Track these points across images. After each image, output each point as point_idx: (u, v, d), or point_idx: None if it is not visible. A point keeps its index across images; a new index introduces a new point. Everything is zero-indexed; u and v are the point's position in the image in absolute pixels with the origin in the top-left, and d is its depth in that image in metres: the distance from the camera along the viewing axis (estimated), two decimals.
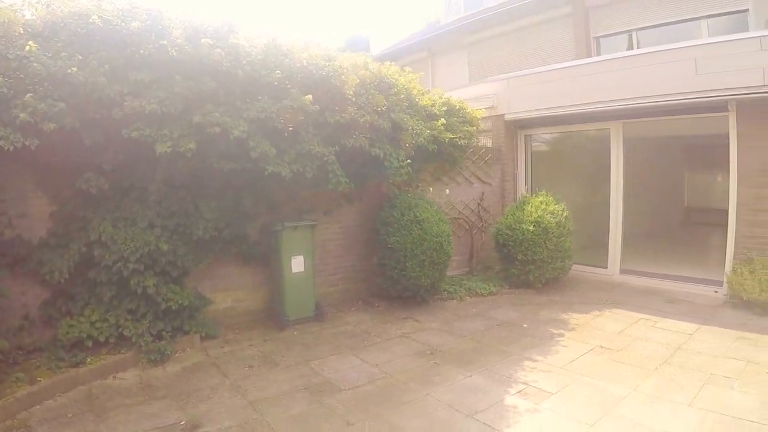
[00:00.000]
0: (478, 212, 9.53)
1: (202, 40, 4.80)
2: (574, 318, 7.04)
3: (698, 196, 16.55)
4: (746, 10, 10.17)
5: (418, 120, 6.91)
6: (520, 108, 9.75)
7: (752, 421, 4.04)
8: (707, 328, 6.51)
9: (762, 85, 6.82)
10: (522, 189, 10.26)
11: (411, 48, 16.63)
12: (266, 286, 6.76)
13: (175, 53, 4.68)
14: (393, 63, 7.41)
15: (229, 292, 6.48)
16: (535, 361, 5.53)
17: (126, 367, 5.21)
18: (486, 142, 9.91)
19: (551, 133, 10.56)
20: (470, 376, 5.12)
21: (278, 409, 4.39)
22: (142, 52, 4.60)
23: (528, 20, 13.91)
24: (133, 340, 5.31)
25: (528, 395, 4.67)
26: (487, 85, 10.35)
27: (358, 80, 6.01)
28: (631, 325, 6.68)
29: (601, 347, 5.91)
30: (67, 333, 5.07)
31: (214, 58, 4.81)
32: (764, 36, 7.05)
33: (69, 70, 4.23)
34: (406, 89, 6.87)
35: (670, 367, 5.30)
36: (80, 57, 4.35)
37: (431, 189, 8.48)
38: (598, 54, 12.53)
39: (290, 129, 5.31)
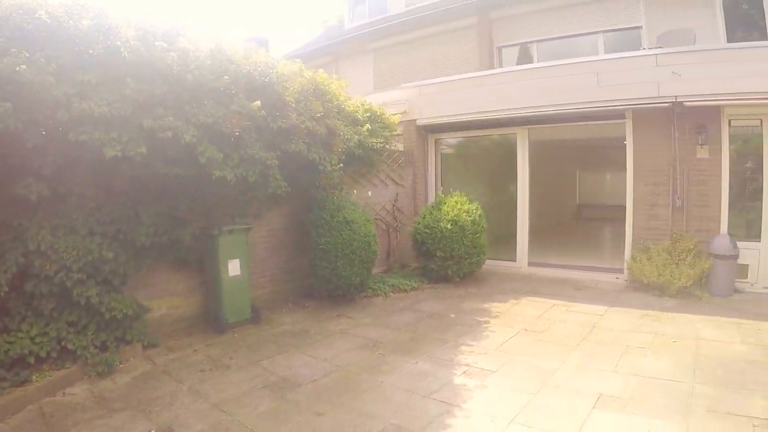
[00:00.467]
0: (393, 213, 10.08)
1: (156, 43, 4.88)
2: (495, 307, 7.77)
3: (588, 194, 18.26)
4: (640, 27, 11.73)
5: (347, 126, 7.26)
6: (431, 114, 10.49)
7: (667, 380, 4.93)
8: (615, 309, 7.53)
9: (656, 96, 8.02)
10: (432, 190, 10.93)
11: (316, 52, 16.90)
12: (200, 291, 6.79)
13: (128, 55, 4.71)
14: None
15: (164, 299, 6.43)
16: (470, 345, 6.11)
17: (73, 381, 5.06)
18: (398, 146, 10.43)
19: (461, 137, 11.47)
20: (416, 363, 5.58)
21: (245, 408, 4.53)
22: (91, 51, 4.58)
23: (433, 29, 14.72)
24: (78, 353, 5.18)
25: (473, 375, 5.23)
26: (400, 92, 10.97)
27: (300, 87, 6.25)
28: (548, 310, 7.52)
29: (526, 330, 6.65)
30: (8, 351, 4.81)
31: (166, 61, 4.90)
32: (660, 54, 8.25)
33: (17, 68, 4.12)
34: (335, 96, 7.18)
35: (589, 342, 6.12)
36: (27, 54, 4.25)
37: (355, 191, 8.85)
38: (501, 63, 13.73)
39: (236, 134, 5.45)
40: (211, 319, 6.69)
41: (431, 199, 10.97)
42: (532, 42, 13.45)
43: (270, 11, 57.52)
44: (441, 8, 14.48)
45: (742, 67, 7.83)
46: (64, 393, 4.87)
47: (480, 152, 12.14)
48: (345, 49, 16.56)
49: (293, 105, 6.17)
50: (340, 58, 15.84)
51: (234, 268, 6.56)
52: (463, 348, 6.02)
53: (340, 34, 17.98)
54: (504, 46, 13.96)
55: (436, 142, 11.32)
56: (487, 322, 7.01)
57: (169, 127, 4.87)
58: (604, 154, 15.67)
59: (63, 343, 5.16)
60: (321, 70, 7.21)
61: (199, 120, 5.14)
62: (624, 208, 9.45)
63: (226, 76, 5.41)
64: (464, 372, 5.30)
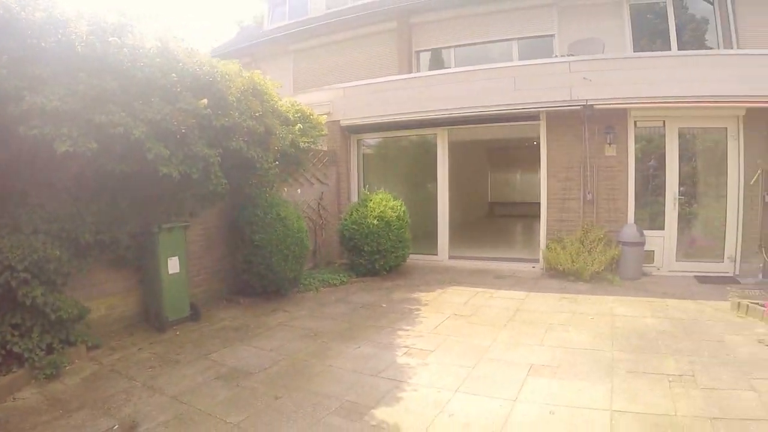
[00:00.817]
0: (319, 211, 10.44)
1: (110, 39, 4.99)
2: (423, 296, 8.39)
3: (500, 192, 19.48)
4: (553, 35, 12.86)
5: (281, 125, 7.54)
6: (355, 115, 11.03)
7: (590, 349, 5.73)
8: (534, 294, 8.38)
9: (569, 100, 8.97)
10: (355, 189, 11.40)
11: (236, 53, 16.58)
12: (137, 291, 6.86)
13: (81, 49, 4.80)
14: None
15: (102, 299, 6.42)
16: (406, 330, 6.65)
17: (21, 386, 4.98)
18: (322, 145, 10.79)
19: (383, 137, 12.05)
20: (359, 347, 6.03)
21: (204, 398, 4.74)
22: (43, 44, 4.63)
23: (354, 32, 15.26)
24: (25, 356, 5.13)
25: (413, 354, 5.75)
26: (324, 93, 11.39)
27: (241, 86, 6.48)
28: (473, 297, 8.24)
29: (455, 315, 7.29)
30: None
31: (118, 57, 5.02)
32: (573, 61, 9.19)
33: None
34: (270, 96, 7.45)
35: (515, 322, 6.86)
36: None
37: (285, 190, 9.11)
38: (419, 67, 14.49)
39: (182, 131, 5.63)
40: (151, 318, 6.78)
41: (354, 197, 11.51)
42: (449, 47, 14.32)
43: (183, 10, 56.17)
44: (362, 12, 15.03)
45: (646, 74, 9.00)
46: (14, 398, 4.81)
47: (401, 152, 12.87)
48: (264, 50, 16.73)
49: (235, 104, 6.40)
50: (259, 60, 15.93)
51: (174, 265, 6.70)
52: (400, 332, 6.54)
53: (260, 35, 18.16)
54: (422, 50, 14.73)
55: (358, 142, 11.85)
56: (418, 310, 7.59)
57: (120, 123, 4.99)
58: (515, 155, 16.80)
59: (8, 347, 5.09)
60: (258, 71, 7.45)
61: (147, 116, 5.27)
62: (534, 205, 10.44)
63: (173, 74, 5.59)
64: (405, 353, 5.81)
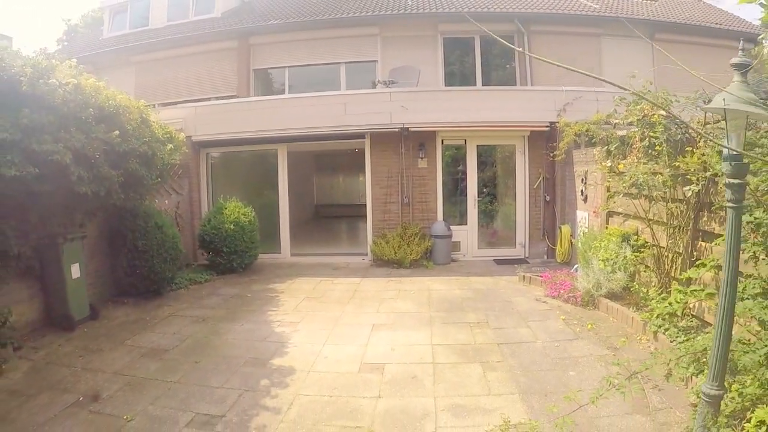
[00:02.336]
0: (176, 218, 11.94)
1: (50, 80, 6.43)
2: (278, 286, 10.58)
3: (324, 195, 22.00)
4: (376, 61, 15.60)
5: (160, 146, 9.13)
6: (205, 132, 12.84)
7: (414, 312, 8.50)
8: (367, 279, 10.99)
9: (389, 123, 11.68)
10: (206, 198, 13.17)
11: (78, 60, 16.97)
12: (39, 297, 7.91)
13: (25, 88, 6.20)
14: None
15: (14, 305, 7.22)
16: (274, 310, 8.81)
17: None
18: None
19: (231, 151, 14.01)
20: (242, 325, 8.06)
21: (141, 370, 6.13)
22: None
23: (196, 48, 16.62)
24: None
25: (286, 325, 7.96)
26: (178, 111, 13.00)
27: (136, 116, 8.09)
28: (318, 284, 10.62)
29: (308, 297, 9.63)
30: None
31: (53, 95, 6.46)
32: (393, 92, 11.85)
33: None
34: (152, 122, 9.02)
35: (356, 299, 9.41)
36: None
37: (156, 201, 10.60)
38: (257, 85, 16.46)
39: (96, 156, 7.18)
40: (56, 320, 7.88)
41: (205, 205, 13.30)
42: (285, 67, 16.50)
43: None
44: (204, 30, 16.68)
45: (452, 104, 12.29)
46: None
47: (246, 163, 14.95)
48: (106, 60, 17.33)
49: (131, 131, 7.98)
50: (101, 69, 16.30)
51: (75, 271, 8.01)
52: (270, 312, 8.68)
53: (101, 44, 18.62)
54: (260, 69, 16.73)
55: (207, 155, 13.60)
56: (277, 296, 9.77)
57: (55, 152, 6.46)
58: (338, 161, 19.45)
59: None
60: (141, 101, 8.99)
61: (71, 145, 6.72)
62: (356, 206, 13.29)
63: (90, 109, 7.11)
64: (279, 325, 7.99)
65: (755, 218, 4.62)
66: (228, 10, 18.23)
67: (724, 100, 3.20)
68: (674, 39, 15.24)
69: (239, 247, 11.40)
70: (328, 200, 22.52)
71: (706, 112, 5.78)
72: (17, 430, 4.75)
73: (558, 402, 4.89)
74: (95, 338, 7.48)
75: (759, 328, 4.34)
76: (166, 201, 11.44)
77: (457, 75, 16.03)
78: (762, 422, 3.35)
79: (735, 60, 3.32)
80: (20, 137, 6.18)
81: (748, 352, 4.02)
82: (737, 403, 3.84)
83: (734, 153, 3.35)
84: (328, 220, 20.67)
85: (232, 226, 11.26)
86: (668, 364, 4.96)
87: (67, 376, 5.98)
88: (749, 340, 4.45)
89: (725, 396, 3.76)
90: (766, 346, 3.88)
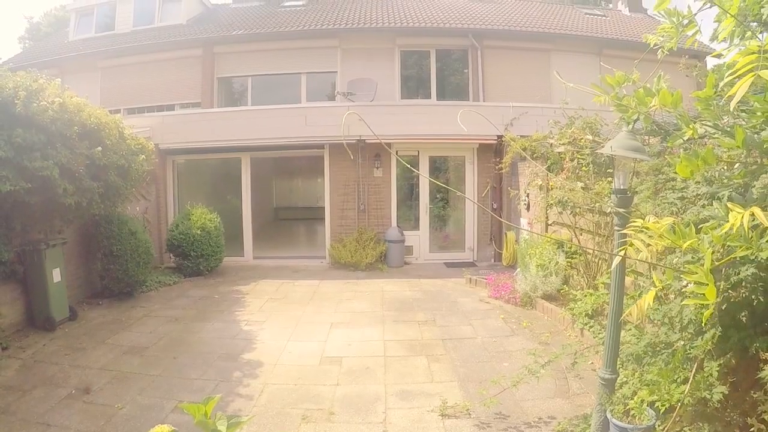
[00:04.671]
0: (144, 223, 12.61)
1: (42, 103, 7.17)
2: (243, 288, 11.42)
3: (283, 197, 22.81)
4: (335, 72, 16.58)
5: (134, 158, 9.86)
6: (172, 140, 13.55)
7: (368, 311, 9.50)
8: (326, 281, 11.91)
9: (348, 135, 12.52)
10: (172, 203, 13.93)
11: (41, 65, 16.66)
12: (21, 300, 8.51)
13: (19, 110, 6.96)
14: None
15: None
16: (240, 311, 9.66)
17: None
18: None
19: (197, 158, 14.78)
20: (212, 324, 8.89)
21: (124, 365, 6.78)
22: None
23: (162, 55, 17.29)
24: None
25: (253, 324, 8.84)
26: (146, 119, 13.77)
27: (115, 133, 8.84)
28: (280, 286, 11.49)
29: (272, 299, 10.48)
30: None
31: (43, 116, 7.19)
32: (351, 105, 12.78)
33: None
34: (127, 136, 9.76)
35: (315, 300, 10.34)
36: None
37: (128, 207, 11.28)
38: (221, 92, 17.24)
39: (80, 170, 7.93)
40: (38, 321, 8.49)
41: (171, 210, 14.05)
42: (248, 76, 17.40)
43: None
44: (169, 38, 17.36)
45: (407, 117, 13.37)
46: None
47: (211, 170, 15.79)
48: (72, 64, 17.75)
49: (110, 146, 8.73)
50: (66, 72, 16.85)
51: (57, 275, 8.66)
52: (237, 313, 9.53)
53: (66, 48, 18.97)
54: (224, 77, 17.55)
55: (174, 162, 14.31)
56: (243, 297, 10.61)
57: (45, 168, 7.21)
58: (297, 164, 20.28)
59: None
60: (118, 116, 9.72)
61: (58, 160, 7.48)
62: (315, 209, 14.50)
63: (76, 127, 7.85)
64: (246, 324, 8.86)
65: None
66: (193, 17, 18.99)
67: (611, 147, 4.03)
68: (622, 55, 16.25)
69: (206, 251, 12.19)
70: (288, 203, 23.32)
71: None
72: (21, 420, 5.29)
73: (490, 387, 5.86)
74: (77, 338, 8.02)
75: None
76: (137, 207, 12.13)
77: (414, 86, 17.19)
78: (642, 400, 4.33)
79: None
80: (13, 155, 6.94)
81: (635, 344, 5.03)
82: (635, 386, 4.78)
83: (620, 188, 4.33)
84: (287, 222, 21.43)
85: (198, 232, 12.05)
86: (575, 355, 6.05)
87: (57, 373, 6.54)
88: (642, 333, 5.46)
89: (627, 381, 4.73)
90: (646, 339, 4.89)
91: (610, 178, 7.13)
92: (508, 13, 19.36)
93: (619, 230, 4.20)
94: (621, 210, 4.26)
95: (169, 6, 18.97)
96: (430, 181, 13.70)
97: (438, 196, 14.33)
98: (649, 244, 2.94)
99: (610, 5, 25.63)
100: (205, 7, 20.43)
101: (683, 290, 3.82)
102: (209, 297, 10.66)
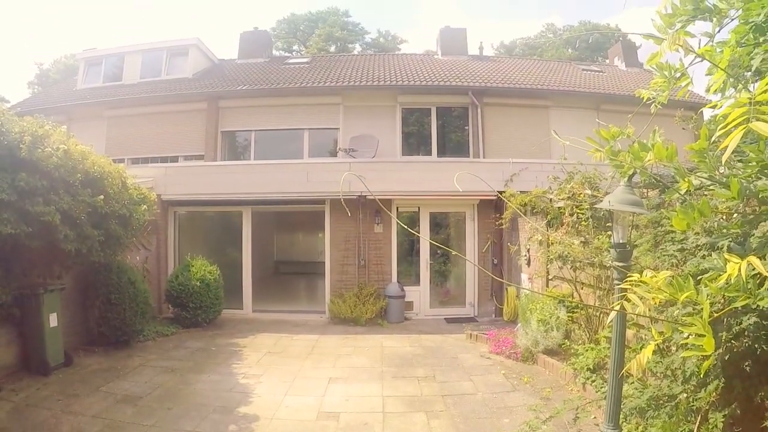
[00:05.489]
0: (143, 273, 12.59)
1: (47, 149, 7.26)
2: (241, 341, 11.27)
3: (284, 251, 22.81)
4: (337, 129, 16.87)
5: (136, 207, 9.91)
6: (174, 191, 13.69)
7: (367, 367, 9.31)
8: (325, 336, 11.77)
9: (348, 191, 12.66)
10: (173, 254, 13.91)
11: (50, 110, 16.87)
12: (17, 343, 8.46)
13: (24, 155, 7.04)
14: None
15: None
16: (238, 364, 9.53)
17: None
18: None
19: (198, 210, 14.94)
20: (209, 376, 8.75)
21: (118, 414, 6.70)
22: None
23: (168, 108, 17.58)
24: None
25: (250, 377, 8.70)
26: (150, 170, 13.89)
27: (118, 182, 8.92)
28: (279, 340, 11.34)
29: (270, 352, 10.33)
30: None
31: (47, 162, 7.28)
32: (352, 162, 12.92)
33: None
34: (130, 186, 9.85)
35: (314, 354, 10.20)
36: None
37: (129, 256, 11.28)
38: (225, 145, 17.47)
39: (82, 217, 7.96)
40: (33, 365, 8.41)
41: (171, 260, 14.03)
42: (251, 130, 17.69)
43: None
44: (175, 92, 17.68)
45: (407, 174, 13.46)
46: None
47: (212, 222, 15.85)
48: (79, 111, 18.02)
49: (112, 195, 8.79)
50: (74, 120, 17.11)
51: (53, 320, 8.62)
52: (234, 366, 9.38)
53: (74, 96, 19.28)
54: (228, 131, 17.83)
55: (175, 213, 14.42)
56: (240, 350, 10.47)
57: (47, 213, 7.26)
58: (298, 218, 20.38)
59: None
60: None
61: (60, 206, 7.54)
62: (315, 263, 14.43)
63: (79, 174, 7.93)
64: (243, 377, 8.72)
65: None
66: (199, 71, 19.45)
67: (609, 201, 3.99)
68: (619, 109, 16.13)
69: (204, 303, 12.11)
70: (288, 257, 23.28)
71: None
72: None
73: None
74: (71, 384, 7.98)
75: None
76: (137, 257, 12.15)
77: (415, 143, 17.45)
78: None
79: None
80: (16, 198, 7.00)
81: (638, 397, 4.96)
82: None
83: (619, 242, 4.32)
84: (287, 276, 21.35)
85: (198, 283, 11.99)
86: (576, 410, 5.92)
87: (48, 418, 6.48)
88: (645, 386, 5.39)
89: None
90: (649, 392, 4.82)
91: (609, 232, 7.11)
92: (507, 71, 19.83)
93: (618, 284, 4.14)
94: (620, 264, 4.23)
95: (176, 60, 19.46)
96: (432, 235, 13.74)
97: (438, 252, 14.30)
98: (644, 298, 2.92)
99: (607, 60, 26.21)
100: (211, 62, 20.91)
101: (683, 342, 3.78)
102: (206, 349, 10.53)
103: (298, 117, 17.21)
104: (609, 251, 7.09)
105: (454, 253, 12.93)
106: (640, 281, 2.91)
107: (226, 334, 11.92)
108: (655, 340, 3.06)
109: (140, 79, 19.07)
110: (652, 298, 2.91)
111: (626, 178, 3.95)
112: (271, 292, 17.52)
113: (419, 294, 14.03)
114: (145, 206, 10.35)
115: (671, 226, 4.68)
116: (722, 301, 3.12)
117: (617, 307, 3.30)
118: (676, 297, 2.77)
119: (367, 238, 13.84)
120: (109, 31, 63.75)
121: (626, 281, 3.11)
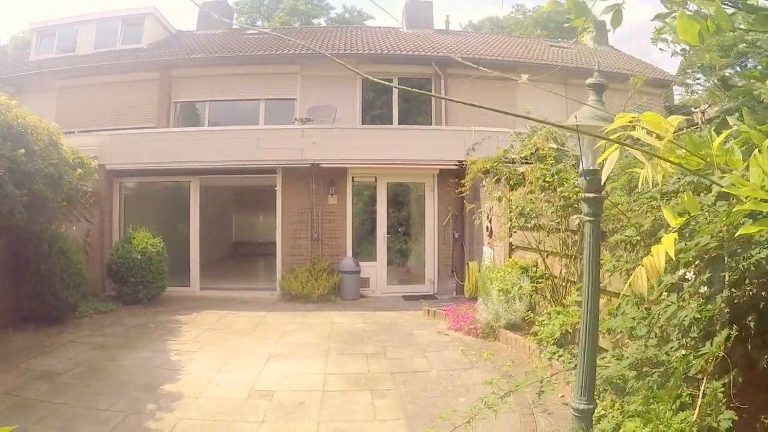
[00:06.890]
0: (85, 246, 11.74)
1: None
2: (183, 318, 10.56)
3: (243, 233, 21.99)
4: (295, 99, 15.96)
5: (69, 170, 9.10)
6: (119, 161, 12.83)
7: (313, 344, 8.69)
8: (273, 313, 11.13)
9: (301, 159, 11.99)
10: (117, 226, 13.08)
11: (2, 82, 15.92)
12: None
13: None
14: None
15: None
16: (173, 340, 8.82)
17: None
18: (89, 187, 12.17)
19: (145, 182, 14.09)
20: (139, 353, 8.02)
21: (30, 391, 6.13)
22: None
23: (120, 77, 16.50)
24: None
25: (183, 354, 8.01)
26: (93, 138, 12.95)
27: (45, 138, 8.11)
28: (223, 317, 10.67)
29: (211, 329, 9.68)
30: None
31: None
32: (305, 128, 12.21)
33: None
34: (61, 145, 9.02)
35: (258, 331, 9.55)
36: None
37: (64, 226, 10.43)
38: (177, 117, 16.51)
39: (1, 173, 7.16)
40: None
41: (116, 234, 13.16)
42: (206, 101, 16.79)
43: None
44: (128, 60, 16.64)
45: (364, 141, 12.80)
46: None
47: (159, 194, 14.93)
48: (30, 83, 16.92)
49: (38, 152, 7.98)
50: (24, 92, 15.89)
51: None
52: (169, 342, 8.69)
53: (25, 66, 18.16)
54: (182, 102, 16.86)
55: (120, 184, 13.54)
56: (180, 327, 9.78)
57: None
58: (257, 199, 19.57)
59: None
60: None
61: None
62: (272, 244, 13.47)
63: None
64: (176, 353, 8.03)
65: (627, 236, 4.82)
66: (154, 42, 18.35)
67: (576, 117, 3.33)
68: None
69: (146, 278, 11.35)
70: (246, 238, 22.38)
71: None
72: None
73: (443, 427, 4.98)
74: None
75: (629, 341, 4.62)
76: (74, 227, 11.27)
77: (376, 115, 16.69)
78: None
79: (590, 81, 3.48)
80: None
81: (615, 366, 4.24)
82: (617, 420, 4.03)
83: (589, 168, 3.41)
84: (245, 257, 20.60)
85: (139, 256, 11.22)
86: (541, 383, 5.27)
87: None
88: (622, 355, 4.69)
89: (606, 414, 4.03)
90: (630, 356, 4.13)
91: (577, 189, 6.49)
92: (475, 44, 19.23)
93: (590, 220, 3.43)
94: (590, 195, 3.41)
95: (131, 30, 18.29)
96: (393, 211, 13.10)
97: (398, 228, 13.68)
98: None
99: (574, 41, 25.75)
100: (168, 32, 19.80)
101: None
102: (144, 326, 9.80)
103: (254, 87, 16.32)
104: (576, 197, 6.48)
105: (411, 223, 12.28)
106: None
107: (169, 311, 11.16)
108: (677, 223, 2.02)
109: (94, 49, 17.87)
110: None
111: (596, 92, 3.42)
112: (224, 270, 16.76)
113: (376, 270, 13.36)
114: (80, 170, 9.58)
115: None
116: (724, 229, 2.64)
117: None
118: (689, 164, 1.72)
119: (321, 210, 13.06)
120: (70, 3, 61.61)
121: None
